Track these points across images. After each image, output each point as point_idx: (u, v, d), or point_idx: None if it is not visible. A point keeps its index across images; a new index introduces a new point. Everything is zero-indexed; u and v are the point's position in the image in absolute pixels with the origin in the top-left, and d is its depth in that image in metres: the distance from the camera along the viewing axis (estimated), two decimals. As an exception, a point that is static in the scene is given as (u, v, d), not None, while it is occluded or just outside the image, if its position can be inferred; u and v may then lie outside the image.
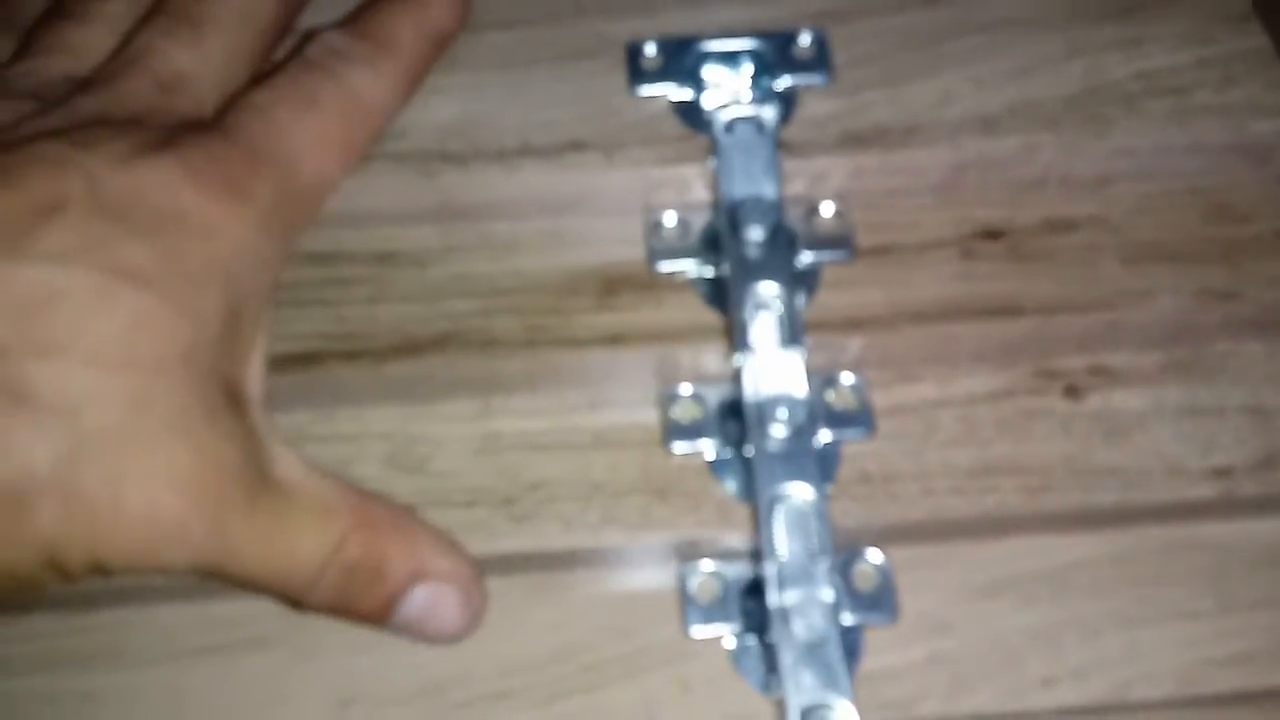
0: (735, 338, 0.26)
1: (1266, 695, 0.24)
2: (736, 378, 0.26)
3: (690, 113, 0.29)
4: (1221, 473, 0.26)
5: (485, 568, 0.24)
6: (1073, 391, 0.27)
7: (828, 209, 0.28)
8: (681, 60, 0.29)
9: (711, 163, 0.28)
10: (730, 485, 0.26)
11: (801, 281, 0.27)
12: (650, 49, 0.29)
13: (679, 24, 0.30)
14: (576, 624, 0.26)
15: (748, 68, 0.29)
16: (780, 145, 0.28)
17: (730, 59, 0.29)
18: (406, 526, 0.23)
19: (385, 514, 0.23)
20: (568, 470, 0.26)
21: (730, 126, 0.28)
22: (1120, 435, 0.26)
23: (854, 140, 0.28)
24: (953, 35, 0.30)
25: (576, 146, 0.28)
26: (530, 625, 0.26)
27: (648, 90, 0.29)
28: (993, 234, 0.28)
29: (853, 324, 0.27)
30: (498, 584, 0.24)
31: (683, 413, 0.27)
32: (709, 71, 0.29)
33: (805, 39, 0.30)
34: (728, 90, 0.29)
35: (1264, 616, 0.25)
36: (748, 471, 0.25)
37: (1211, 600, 0.25)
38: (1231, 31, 0.30)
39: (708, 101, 0.29)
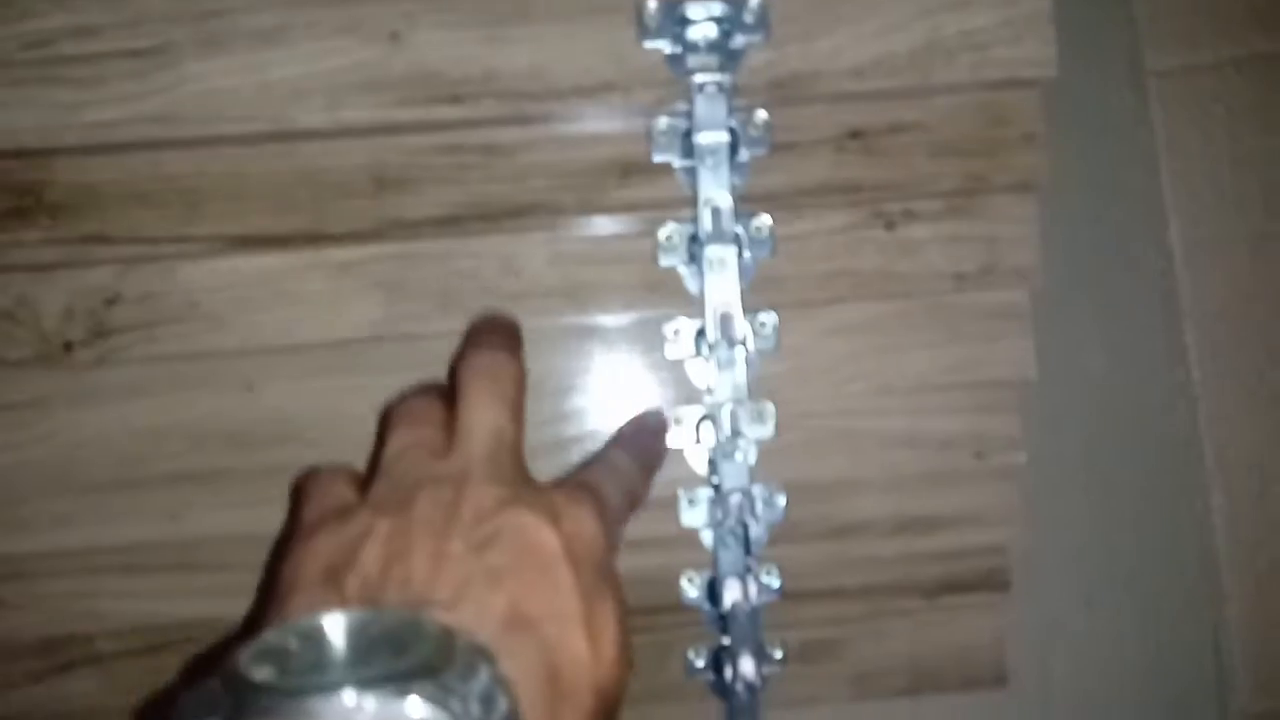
0: (699, 213, 0.38)
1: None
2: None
3: (677, 64, 0.38)
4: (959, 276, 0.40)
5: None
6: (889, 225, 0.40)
7: (760, 116, 0.38)
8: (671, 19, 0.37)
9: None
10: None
11: (739, 170, 0.39)
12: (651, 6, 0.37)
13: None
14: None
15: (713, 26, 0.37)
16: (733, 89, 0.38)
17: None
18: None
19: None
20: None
21: (701, 87, 0.38)
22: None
23: (775, 84, 0.38)
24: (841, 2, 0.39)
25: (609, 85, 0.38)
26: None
27: (650, 44, 0.37)
28: (856, 134, 0.39)
29: (765, 194, 0.39)
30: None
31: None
32: (690, 31, 0.37)
33: (754, 4, 0.38)
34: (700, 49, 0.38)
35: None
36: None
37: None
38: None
39: (687, 63, 0.38)
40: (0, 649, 0.40)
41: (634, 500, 0.34)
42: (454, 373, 0.33)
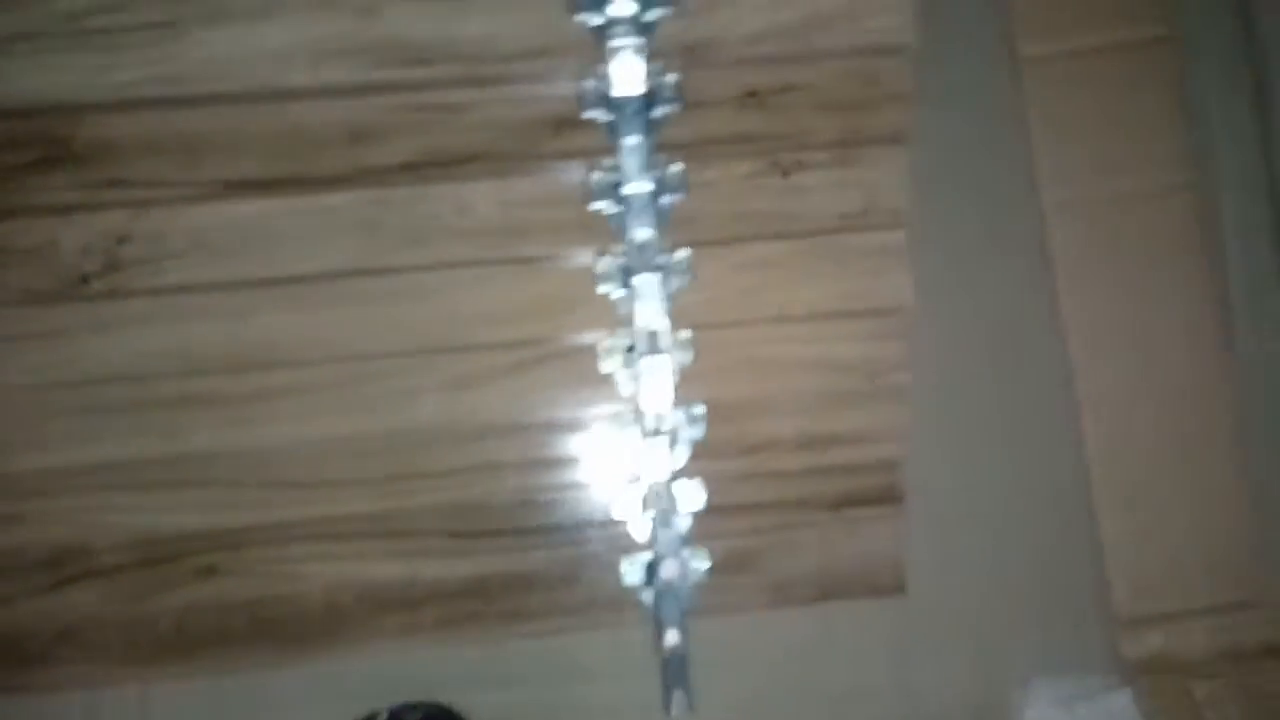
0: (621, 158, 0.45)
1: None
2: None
3: (599, 35, 0.45)
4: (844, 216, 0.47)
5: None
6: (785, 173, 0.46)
7: (670, 79, 0.45)
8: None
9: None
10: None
11: (655, 125, 0.45)
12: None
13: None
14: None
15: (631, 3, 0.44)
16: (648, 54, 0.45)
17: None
18: None
19: None
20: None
21: (617, 51, 0.44)
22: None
23: (685, 49, 0.45)
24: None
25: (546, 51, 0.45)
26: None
27: (579, 17, 0.44)
28: (752, 94, 0.46)
29: (677, 144, 0.46)
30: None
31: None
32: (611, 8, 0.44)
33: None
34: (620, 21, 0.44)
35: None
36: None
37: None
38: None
39: (610, 33, 0.44)
40: (10, 564, 0.44)
41: None
42: None
